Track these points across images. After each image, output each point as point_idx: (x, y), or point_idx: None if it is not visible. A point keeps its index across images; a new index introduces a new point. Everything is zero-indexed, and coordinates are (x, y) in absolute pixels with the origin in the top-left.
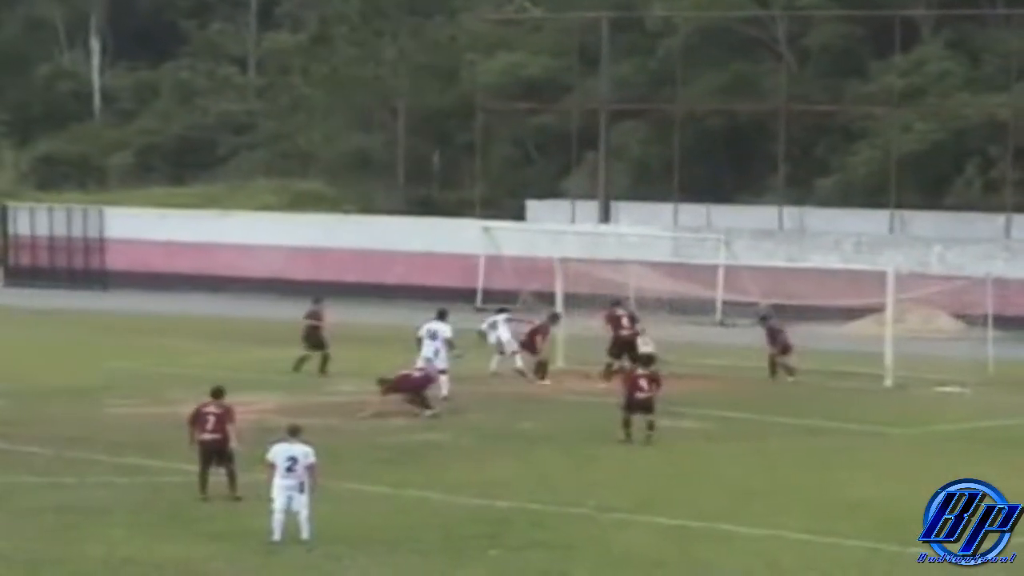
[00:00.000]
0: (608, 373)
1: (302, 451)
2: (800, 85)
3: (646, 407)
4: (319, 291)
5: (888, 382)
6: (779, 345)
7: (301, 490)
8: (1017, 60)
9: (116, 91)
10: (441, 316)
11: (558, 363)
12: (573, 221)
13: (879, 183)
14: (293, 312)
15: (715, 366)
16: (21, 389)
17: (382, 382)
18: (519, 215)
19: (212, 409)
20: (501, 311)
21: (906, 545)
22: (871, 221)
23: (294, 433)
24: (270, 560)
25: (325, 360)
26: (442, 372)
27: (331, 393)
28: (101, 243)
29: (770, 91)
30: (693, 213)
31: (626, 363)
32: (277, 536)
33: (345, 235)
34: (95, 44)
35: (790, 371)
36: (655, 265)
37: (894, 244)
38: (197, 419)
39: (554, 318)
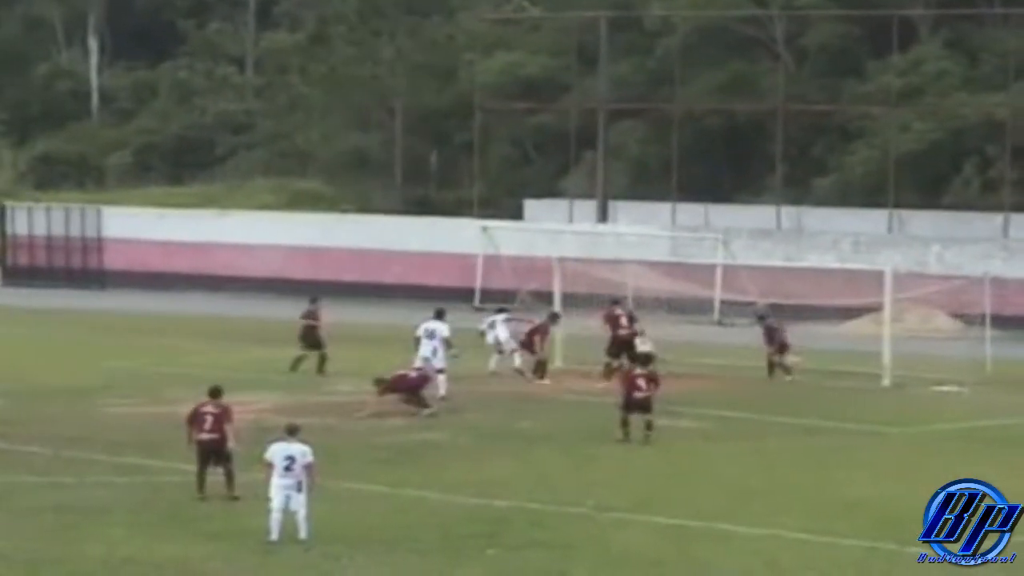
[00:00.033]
0: (608, 372)
1: (300, 450)
2: (798, 85)
3: (644, 407)
4: (317, 291)
5: (886, 381)
6: (776, 344)
7: (299, 489)
8: (1015, 60)
9: (114, 90)
10: (439, 315)
11: (556, 363)
12: (571, 221)
13: (877, 183)
14: (291, 312)
15: (713, 365)
16: (20, 389)
17: (378, 382)
18: (517, 215)
19: (210, 409)
20: (500, 311)
21: (904, 544)
22: (869, 221)
23: (292, 432)
24: (268, 559)
25: (323, 360)
26: (440, 371)
27: (329, 393)
28: (99, 243)
29: (768, 91)
30: (691, 213)
31: (625, 362)
32: (275, 535)
33: (343, 235)
34: (93, 43)
35: (787, 370)
36: (653, 265)
37: (892, 244)
38: (195, 419)
39: (554, 317)
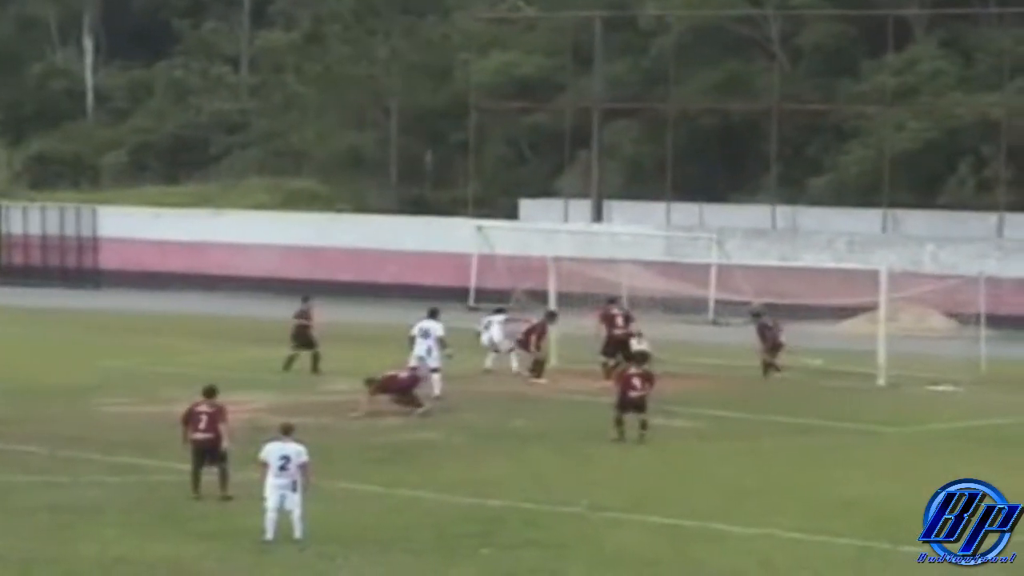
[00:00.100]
0: (608, 371)
1: (295, 450)
2: (793, 84)
3: (639, 406)
4: (312, 290)
5: (881, 381)
6: (768, 342)
7: (294, 489)
8: (1009, 59)
9: (109, 90)
10: (433, 315)
11: (551, 362)
12: (566, 220)
13: (872, 182)
14: (286, 311)
15: (708, 365)
16: (15, 388)
17: (369, 382)
18: (512, 214)
19: (204, 408)
20: (498, 311)
21: (898, 543)
22: (864, 220)
23: (287, 432)
24: (262, 559)
25: (316, 359)
26: (434, 371)
27: (324, 392)
28: (94, 242)
29: (763, 90)
30: (686, 212)
31: (621, 361)
32: (270, 535)
33: (338, 234)
34: (88, 43)
35: (777, 368)
36: (648, 264)
37: (887, 243)
38: (190, 418)
39: (551, 316)
